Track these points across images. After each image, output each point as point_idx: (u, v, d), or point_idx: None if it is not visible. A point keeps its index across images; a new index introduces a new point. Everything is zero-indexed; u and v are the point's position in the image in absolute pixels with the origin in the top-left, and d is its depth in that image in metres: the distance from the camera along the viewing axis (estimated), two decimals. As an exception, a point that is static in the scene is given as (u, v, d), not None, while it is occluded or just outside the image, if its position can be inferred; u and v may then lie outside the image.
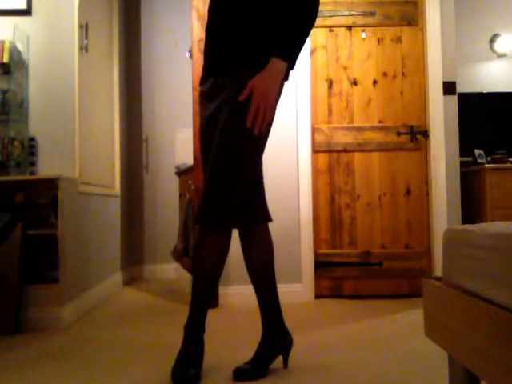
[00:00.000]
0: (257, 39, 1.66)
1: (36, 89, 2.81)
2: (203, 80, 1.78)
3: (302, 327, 2.35)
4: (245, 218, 1.67)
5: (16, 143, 2.73)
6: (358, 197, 3.19)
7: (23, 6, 2.82)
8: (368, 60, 3.23)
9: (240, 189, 1.62)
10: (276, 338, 1.76)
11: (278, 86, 1.62)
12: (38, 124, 2.80)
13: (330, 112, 3.22)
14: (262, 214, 1.73)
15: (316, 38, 3.21)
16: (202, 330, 1.70)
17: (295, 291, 3.04)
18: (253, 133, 1.59)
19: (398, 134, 3.17)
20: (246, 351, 1.82)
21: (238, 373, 1.69)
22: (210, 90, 1.71)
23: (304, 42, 1.65)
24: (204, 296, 1.70)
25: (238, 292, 2.99)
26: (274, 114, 1.64)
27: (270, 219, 1.75)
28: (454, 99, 3.19)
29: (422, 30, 3.21)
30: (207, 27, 1.77)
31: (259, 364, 1.73)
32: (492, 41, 3.98)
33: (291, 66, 1.65)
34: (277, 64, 1.59)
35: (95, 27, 3.34)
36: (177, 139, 4.21)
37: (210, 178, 1.63)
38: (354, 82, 3.23)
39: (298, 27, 1.62)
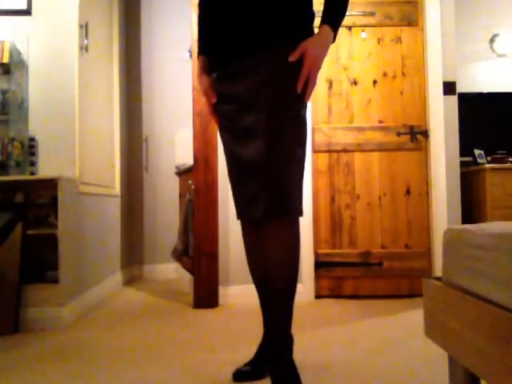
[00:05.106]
0: (285, 11, 1.53)
1: (36, 89, 2.81)
2: (213, 66, 1.67)
3: (302, 327, 2.35)
4: (299, 209, 1.55)
5: (16, 143, 2.73)
6: (358, 197, 3.19)
7: (23, 6, 2.82)
8: (368, 60, 3.23)
9: (296, 176, 1.53)
10: None
11: (326, 54, 1.55)
12: (37, 124, 2.80)
13: (330, 112, 3.22)
14: (301, 206, 1.59)
15: (316, 37, 3.20)
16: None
17: (295, 291, 3.04)
18: (301, 112, 1.54)
19: (398, 134, 3.17)
20: (246, 351, 1.82)
21: (238, 374, 1.68)
22: (236, 72, 1.57)
23: (344, 16, 1.62)
24: (283, 299, 1.53)
25: (237, 292, 2.99)
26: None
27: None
28: (454, 99, 3.19)
29: (422, 30, 3.21)
30: (209, 11, 1.65)
31: (259, 365, 1.72)
32: (492, 41, 3.98)
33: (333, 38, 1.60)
34: (328, 32, 1.55)
35: (95, 27, 3.34)
36: (177, 139, 4.20)
37: (269, 167, 1.48)
38: (354, 82, 3.23)
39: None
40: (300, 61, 1.50)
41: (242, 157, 1.57)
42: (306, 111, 1.59)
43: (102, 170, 3.46)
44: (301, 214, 1.56)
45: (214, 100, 1.66)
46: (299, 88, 1.51)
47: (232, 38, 1.57)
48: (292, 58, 1.50)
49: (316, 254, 3.14)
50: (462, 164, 3.28)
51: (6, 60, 2.74)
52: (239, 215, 1.66)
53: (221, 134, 1.72)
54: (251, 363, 1.73)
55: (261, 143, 1.50)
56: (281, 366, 1.51)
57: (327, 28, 1.55)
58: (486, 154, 3.69)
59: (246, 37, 1.55)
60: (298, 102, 1.55)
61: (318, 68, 1.53)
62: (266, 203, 1.48)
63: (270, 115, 1.50)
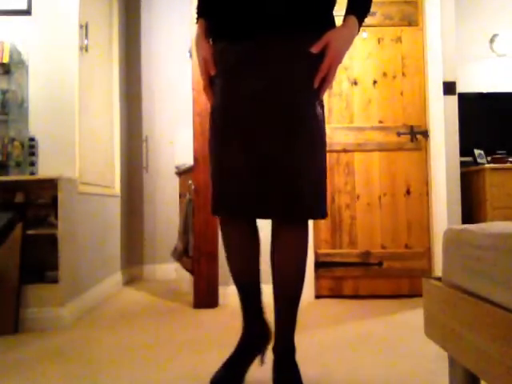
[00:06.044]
0: None
1: (36, 89, 2.81)
2: (216, 35, 1.52)
3: (302, 327, 2.34)
4: (323, 210, 1.47)
5: (16, 143, 2.73)
6: (358, 197, 3.19)
7: (23, 6, 2.82)
8: (368, 60, 3.23)
9: (315, 177, 1.43)
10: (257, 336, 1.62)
11: (349, 48, 1.44)
12: (38, 124, 2.80)
13: (330, 112, 3.22)
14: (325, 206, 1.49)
15: (316, 38, 3.20)
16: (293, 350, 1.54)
17: (295, 291, 3.04)
18: (318, 109, 1.42)
19: (398, 134, 3.17)
20: (245, 351, 1.81)
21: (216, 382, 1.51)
22: (245, 52, 1.43)
23: (370, 7, 1.49)
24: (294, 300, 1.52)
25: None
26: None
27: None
28: (454, 99, 3.19)
29: (422, 30, 3.21)
30: None
31: (239, 367, 1.56)
32: (492, 41, 3.98)
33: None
34: (354, 24, 1.43)
35: (95, 27, 3.33)
36: (177, 139, 4.20)
37: (283, 168, 1.38)
38: (354, 82, 3.23)
39: None
40: (319, 53, 1.39)
41: (249, 152, 1.42)
42: (323, 109, 1.49)
43: (101, 170, 3.46)
44: (326, 215, 1.48)
45: (212, 72, 1.48)
46: (316, 83, 1.40)
47: (246, 9, 1.41)
48: (315, 50, 1.38)
49: (316, 254, 3.14)
50: (462, 164, 3.28)
51: (5, 60, 2.73)
52: (229, 210, 1.50)
53: (212, 113, 1.51)
54: (229, 366, 1.55)
55: (275, 142, 1.39)
56: (285, 367, 1.49)
57: (353, 19, 1.43)
58: (486, 154, 3.69)
59: (262, 11, 1.39)
60: (314, 99, 1.43)
61: (340, 62, 1.41)
62: (278, 206, 1.39)
63: (284, 113, 1.38)
